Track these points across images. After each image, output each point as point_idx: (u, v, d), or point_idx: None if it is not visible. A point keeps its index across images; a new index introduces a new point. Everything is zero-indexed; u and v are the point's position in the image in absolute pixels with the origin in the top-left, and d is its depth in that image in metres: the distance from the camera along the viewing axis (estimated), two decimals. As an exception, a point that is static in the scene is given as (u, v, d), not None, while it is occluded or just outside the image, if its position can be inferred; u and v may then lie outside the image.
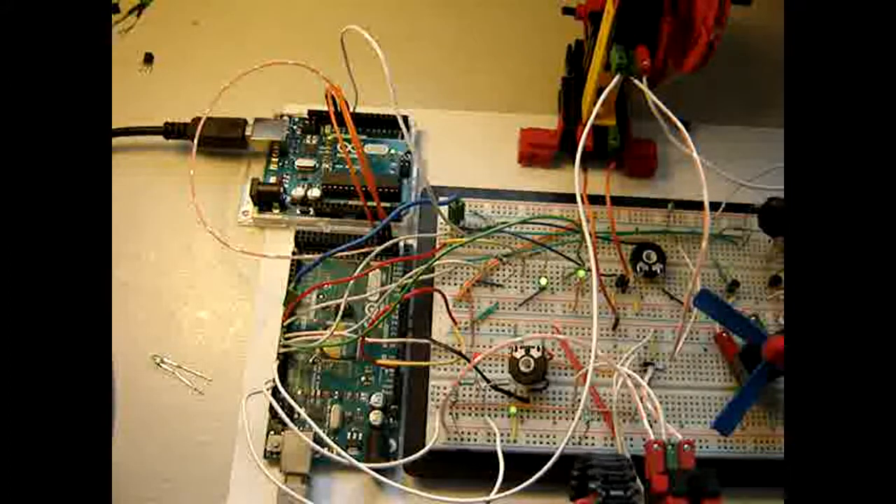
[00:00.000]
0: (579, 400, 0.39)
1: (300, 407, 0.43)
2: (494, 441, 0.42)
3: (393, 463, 0.42)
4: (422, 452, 0.41)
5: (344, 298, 0.45)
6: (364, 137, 0.52)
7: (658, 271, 0.47)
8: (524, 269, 0.47)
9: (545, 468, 0.37)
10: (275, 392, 0.43)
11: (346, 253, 0.46)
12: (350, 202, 0.49)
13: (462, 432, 0.43)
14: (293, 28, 0.58)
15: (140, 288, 0.48)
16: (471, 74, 0.57)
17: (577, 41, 0.54)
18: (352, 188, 0.48)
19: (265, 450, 0.43)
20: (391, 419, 0.44)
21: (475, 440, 0.43)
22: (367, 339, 0.43)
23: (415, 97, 0.53)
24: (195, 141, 0.50)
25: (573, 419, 0.41)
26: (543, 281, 0.47)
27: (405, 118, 0.48)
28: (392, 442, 0.44)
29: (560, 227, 0.48)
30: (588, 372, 0.37)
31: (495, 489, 0.38)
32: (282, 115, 0.53)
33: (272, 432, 0.43)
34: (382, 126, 0.53)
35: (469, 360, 0.40)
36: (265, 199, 0.50)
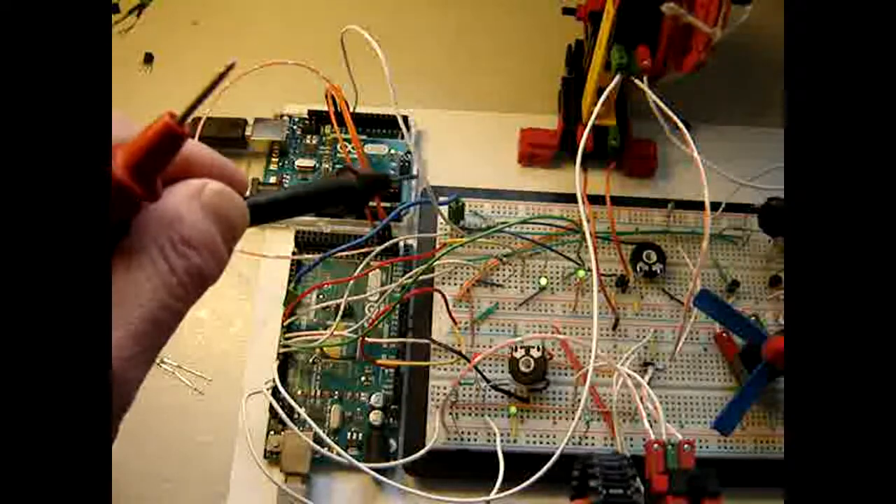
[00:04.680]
0: (579, 400, 0.39)
1: (300, 407, 0.43)
2: (494, 441, 0.42)
3: (393, 463, 0.42)
4: (422, 452, 0.41)
5: (344, 298, 0.45)
6: (364, 137, 0.52)
7: (658, 271, 0.47)
8: (524, 269, 0.47)
9: (545, 468, 0.37)
10: (275, 392, 0.43)
11: (346, 253, 0.46)
12: (350, 202, 0.49)
13: (462, 432, 0.43)
14: (293, 28, 0.58)
15: (140, 288, 0.48)
16: (471, 74, 0.57)
17: (577, 41, 0.54)
18: (352, 188, 0.48)
19: (265, 450, 0.43)
20: (391, 419, 0.44)
21: (475, 440, 0.43)
22: (367, 339, 0.43)
23: (415, 97, 0.53)
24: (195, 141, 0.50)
25: (573, 419, 0.41)
26: (543, 281, 0.47)
27: (405, 118, 0.48)
28: (392, 442, 0.44)
29: (560, 227, 0.48)
30: (588, 372, 0.37)
31: (495, 489, 0.38)
32: (282, 115, 0.53)
33: (272, 432, 0.43)
34: (382, 126, 0.53)
35: (469, 360, 0.40)
36: (265, 199, 0.49)
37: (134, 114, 0.57)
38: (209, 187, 0.21)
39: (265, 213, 0.25)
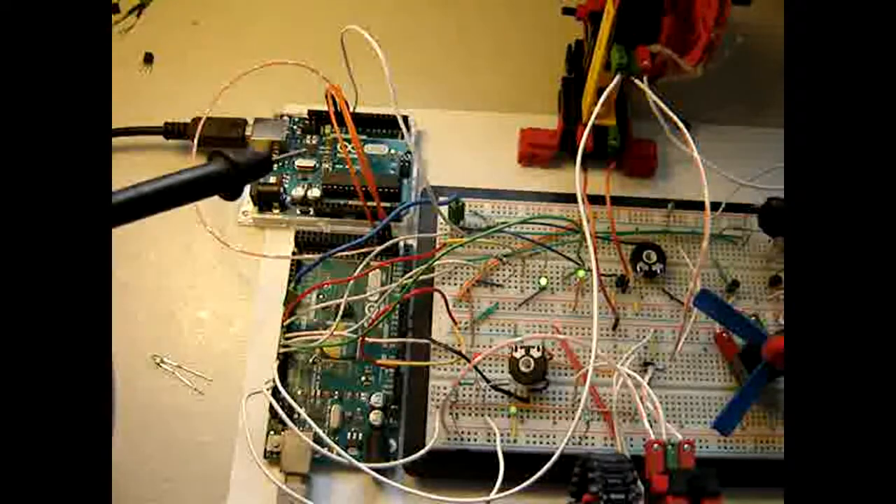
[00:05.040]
0: (579, 400, 0.39)
1: (300, 407, 0.43)
2: (494, 441, 0.42)
3: (393, 463, 0.42)
4: (422, 452, 0.41)
5: (344, 298, 0.45)
6: (364, 137, 0.52)
7: (658, 271, 0.47)
8: (524, 269, 0.47)
9: (545, 468, 0.37)
10: (275, 392, 0.43)
11: (346, 253, 0.46)
12: (350, 202, 0.49)
13: (462, 432, 0.43)
14: (293, 28, 0.59)
15: (140, 288, 0.48)
16: (471, 74, 0.57)
17: (577, 41, 0.54)
18: (352, 188, 0.48)
19: (265, 450, 0.43)
20: (391, 419, 0.44)
21: (475, 440, 0.43)
22: (367, 339, 0.43)
23: (415, 97, 0.53)
24: (195, 141, 0.50)
25: (573, 419, 0.41)
26: (543, 281, 0.47)
27: (405, 118, 0.48)
28: (392, 442, 0.44)
29: (560, 227, 0.48)
30: (588, 372, 0.37)
31: (495, 489, 0.38)
32: (282, 115, 0.53)
33: (272, 432, 0.43)
34: (382, 126, 0.53)
35: (469, 360, 0.40)
36: (265, 199, 0.50)
37: (134, 114, 0.57)
38: None
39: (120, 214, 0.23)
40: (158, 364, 0.46)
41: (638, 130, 0.52)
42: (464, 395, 0.44)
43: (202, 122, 0.50)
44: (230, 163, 0.26)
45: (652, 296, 0.47)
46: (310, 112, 0.53)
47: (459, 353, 0.43)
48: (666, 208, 0.49)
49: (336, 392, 0.45)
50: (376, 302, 0.47)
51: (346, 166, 0.49)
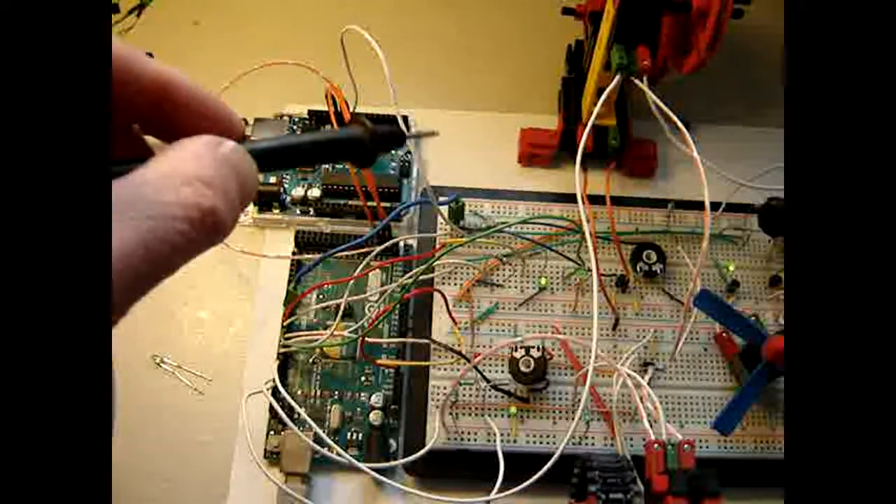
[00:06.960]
0: (579, 400, 0.39)
1: (300, 407, 0.43)
2: (494, 441, 0.42)
3: (393, 463, 0.42)
4: (422, 452, 0.41)
5: (344, 298, 0.45)
6: (364, 137, 0.52)
7: (658, 271, 0.47)
8: (524, 269, 0.47)
9: (545, 468, 0.37)
10: (275, 392, 0.43)
11: (346, 253, 0.46)
12: (350, 202, 0.49)
13: (462, 432, 0.43)
14: (293, 28, 0.59)
15: (140, 288, 0.48)
16: (471, 74, 0.57)
17: (577, 41, 0.54)
18: (352, 188, 0.48)
19: (265, 450, 0.43)
20: (391, 419, 0.44)
21: (475, 440, 0.43)
22: (367, 339, 0.43)
23: (415, 97, 0.53)
24: (195, 141, 0.50)
25: (573, 419, 0.41)
26: (543, 281, 0.47)
27: (405, 118, 0.48)
28: (392, 442, 0.44)
29: (560, 227, 0.48)
30: (588, 372, 0.37)
31: (495, 489, 0.38)
32: (282, 115, 0.53)
33: (272, 432, 0.43)
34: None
35: (469, 360, 0.40)
36: (265, 199, 0.50)
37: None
38: (227, 143, 0.21)
39: (262, 161, 0.24)
40: (158, 364, 0.46)
41: (638, 130, 0.52)
42: (464, 395, 0.44)
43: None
44: (368, 131, 0.26)
45: (652, 296, 0.47)
46: (310, 112, 0.53)
47: (459, 353, 0.43)
48: (666, 208, 0.49)
49: (336, 392, 0.45)
50: (376, 302, 0.47)
51: (346, 166, 0.49)
